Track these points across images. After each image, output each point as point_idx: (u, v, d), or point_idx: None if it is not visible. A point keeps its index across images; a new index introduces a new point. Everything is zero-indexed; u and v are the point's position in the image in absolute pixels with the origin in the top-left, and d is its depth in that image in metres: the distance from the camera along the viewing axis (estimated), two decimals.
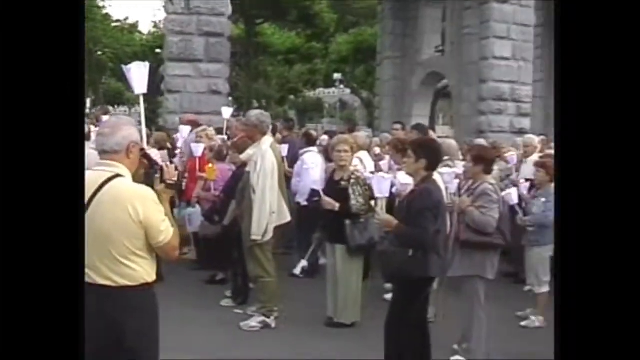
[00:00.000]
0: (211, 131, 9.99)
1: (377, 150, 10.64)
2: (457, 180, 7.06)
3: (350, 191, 6.74)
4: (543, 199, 7.41)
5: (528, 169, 9.48)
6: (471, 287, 5.88)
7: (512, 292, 8.67)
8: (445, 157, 9.15)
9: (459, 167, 7.63)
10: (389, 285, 6.62)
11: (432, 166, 5.13)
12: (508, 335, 6.88)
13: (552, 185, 7.48)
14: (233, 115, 11.81)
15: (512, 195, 6.79)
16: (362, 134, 10.30)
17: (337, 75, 45.04)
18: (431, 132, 10.71)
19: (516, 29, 16.99)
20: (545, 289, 7.41)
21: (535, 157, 9.73)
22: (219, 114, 11.11)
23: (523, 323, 7.39)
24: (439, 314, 6.82)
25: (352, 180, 6.81)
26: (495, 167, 9.20)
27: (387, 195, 6.05)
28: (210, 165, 8.22)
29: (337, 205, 6.70)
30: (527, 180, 8.80)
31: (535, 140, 10.92)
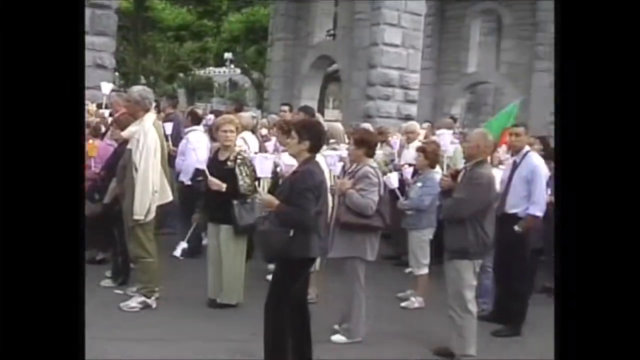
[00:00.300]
0: (92, 107, 9.66)
1: (264, 131, 10.62)
2: (342, 163, 7.14)
3: (237, 171, 6.70)
4: (420, 184, 7.62)
5: (410, 154, 9.75)
6: (351, 268, 5.96)
7: (393, 274, 8.91)
8: (331, 140, 9.25)
9: (344, 150, 7.72)
10: (272, 266, 6.65)
11: (315, 148, 5.14)
12: (388, 315, 7.05)
13: (432, 170, 7.73)
14: (115, 91, 11.45)
15: (391, 179, 6.92)
16: (247, 115, 10.22)
17: (227, 55, 44.63)
18: (318, 115, 10.78)
19: (407, 17, 17.31)
20: (424, 271, 7.65)
21: (417, 143, 10.00)
22: None
23: (403, 304, 7.60)
24: (320, 294, 6.92)
25: (238, 161, 6.77)
26: (380, 152, 9.41)
27: (270, 175, 6.05)
28: (90, 141, 7.95)
29: (224, 186, 6.65)
30: (410, 165, 9.05)
31: (418, 126, 11.22)
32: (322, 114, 18.43)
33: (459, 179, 5.90)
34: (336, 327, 6.19)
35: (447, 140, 7.04)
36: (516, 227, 6.74)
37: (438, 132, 7.72)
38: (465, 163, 6.20)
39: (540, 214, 6.80)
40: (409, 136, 10.36)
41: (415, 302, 7.57)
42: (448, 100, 26.13)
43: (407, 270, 8.66)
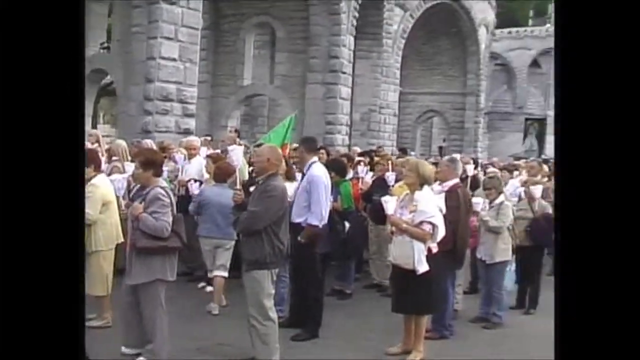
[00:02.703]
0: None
1: None
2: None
3: None
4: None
5: (193, 169, 9.77)
6: (153, 291, 5.84)
7: (189, 290, 8.91)
8: (114, 158, 8.99)
9: (129, 170, 7.56)
10: None
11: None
12: (194, 326, 7.26)
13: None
14: None
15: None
16: None
17: None
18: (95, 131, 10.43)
19: (184, 30, 17.16)
20: (220, 272, 8.00)
21: (199, 157, 10.02)
22: None
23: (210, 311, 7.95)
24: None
25: None
26: (165, 168, 9.29)
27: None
28: None
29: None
30: (195, 180, 9.09)
31: (198, 141, 11.22)
32: (96, 129, 17.76)
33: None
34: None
35: (239, 155, 7.10)
36: (299, 237, 6.98)
37: (230, 148, 7.81)
38: (256, 177, 6.32)
39: (317, 223, 7.03)
40: (191, 151, 10.33)
41: (215, 308, 7.95)
42: (224, 112, 26.32)
43: (200, 285, 8.79)
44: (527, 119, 43.14)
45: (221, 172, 8.11)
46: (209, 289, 8.72)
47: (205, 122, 24.72)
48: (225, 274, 8.14)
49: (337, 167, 9.14)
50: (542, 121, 41.65)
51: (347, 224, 8.73)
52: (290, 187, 6.98)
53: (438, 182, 7.30)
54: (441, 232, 6.21)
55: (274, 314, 6.00)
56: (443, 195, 6.89)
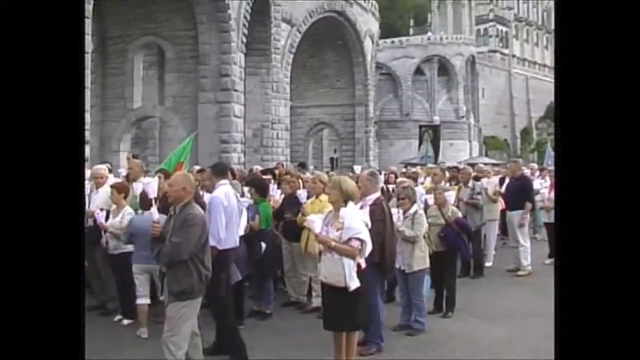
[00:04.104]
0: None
1: None
2: None
3: None
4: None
5: (100, 198, 9.43)
6: None
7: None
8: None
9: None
10: None
11: None
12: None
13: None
14: None
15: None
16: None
17: None
18: None
19: None
20: (142, 300, 7.99)
21: (106, 186, 9.70)
22: None
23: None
24: None
25: None
26: None
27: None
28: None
29: None
30: (101, 209, 8.85)
31: (105, 169, 10.83)
32: None
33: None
34: None
35: (155, 188, 6.92)
36: None
37: (145, 180, 7.65)
38: (171, 206, 6.15)
39: (214, 244, 6.74)
40: (98, 180, 9.98)
41: (143, 332, 7.91)
42: (115, 136, 25.71)
43: (116, 318, 8.75)
44: (421, 126, 44.40)
45: (146, 199, 7.96)
46: (126, 322, 8.50)
47: (97, 148, 24.06)
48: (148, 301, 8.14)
49: (257, 185, 9.11)
50: (436, 128, 43.02)
51: (262, 245, 8.70)
52: None
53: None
54: (369, 247, 6.26)
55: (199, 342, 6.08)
56: (367, 209, 6.95)
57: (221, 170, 7.67)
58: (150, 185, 6.74)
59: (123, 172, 10.30)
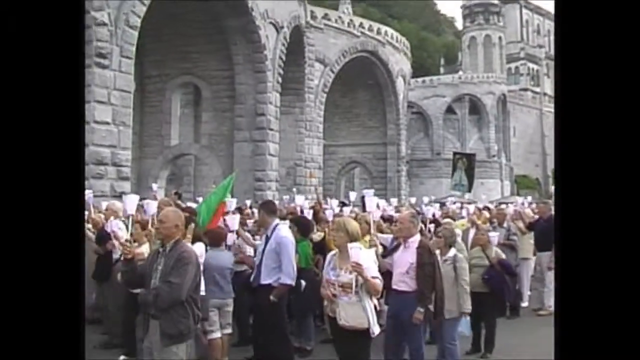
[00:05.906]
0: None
1: None
2: None
3: None
4: None
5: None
6: None
7: None
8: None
9: None
10: None
11: None
12: None
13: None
14: None
15: None
16: None
17: None
18: None
19: (116, 93, 17.19)
20: (227, 330, 8.04)
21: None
22: None
23: None
24: None
25: None
26: None
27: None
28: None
29: None
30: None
31: (119, 204, 11.07)
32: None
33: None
34: None
35: (154, 208, 7.34)
36: (271, 297, 7.16)
37: (145, 202, 7.98)
38: (162, 243, 5.76)
39: (290, 282, 7.29)
40: (113, 215, 10.26)
41: None
42: (152, 173, 26.13)
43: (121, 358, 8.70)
44: (455, 153, 43.68)
45: (215, 236, 8.24)
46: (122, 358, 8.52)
47: (134, 185, 24.47)
48: (230, 331, 8.28)
49: (300, 224, 9.29)
50: (470, 156, 41.88)
51: (302, 282, 8.86)
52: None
53: (401, 239, 7.28)
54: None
55: None
56: (410, 251, 6.99)
57: (273, 209, 7.90)
58: (149, 205, 6.93)
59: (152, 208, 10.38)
